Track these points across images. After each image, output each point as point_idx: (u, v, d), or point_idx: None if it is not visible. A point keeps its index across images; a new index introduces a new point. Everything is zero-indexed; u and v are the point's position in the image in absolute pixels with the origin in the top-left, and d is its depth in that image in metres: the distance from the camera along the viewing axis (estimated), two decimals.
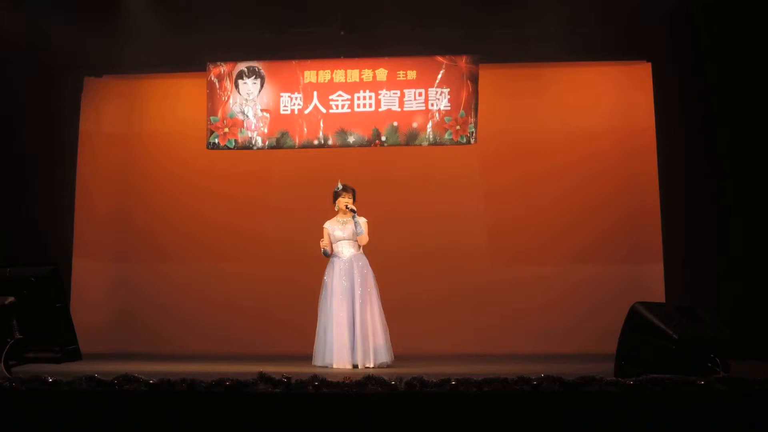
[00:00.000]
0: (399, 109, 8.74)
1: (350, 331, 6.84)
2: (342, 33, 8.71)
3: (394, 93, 8.76)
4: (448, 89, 8.69)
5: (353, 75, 8.83)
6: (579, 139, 9.43)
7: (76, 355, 5.45)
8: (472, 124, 8.64)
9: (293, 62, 8.88)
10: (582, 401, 3.97)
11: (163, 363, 7.03)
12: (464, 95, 8.66)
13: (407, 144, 8.77)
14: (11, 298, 5.17)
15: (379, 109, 8.76)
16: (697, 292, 7.90)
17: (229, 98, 8.87)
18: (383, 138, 8.74)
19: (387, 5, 8.37)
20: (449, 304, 9.20)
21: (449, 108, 8.68)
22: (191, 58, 8.93)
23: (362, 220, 7.09)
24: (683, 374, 4.21)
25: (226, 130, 8.86)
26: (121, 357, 7.94)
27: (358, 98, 8.79)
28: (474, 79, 8.65)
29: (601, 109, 9.51)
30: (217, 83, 8.90)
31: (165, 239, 9.70)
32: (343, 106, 8.80)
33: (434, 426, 3.96)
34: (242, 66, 8.90)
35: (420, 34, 8.66)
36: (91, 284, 9.52)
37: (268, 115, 8.85)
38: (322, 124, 8.79)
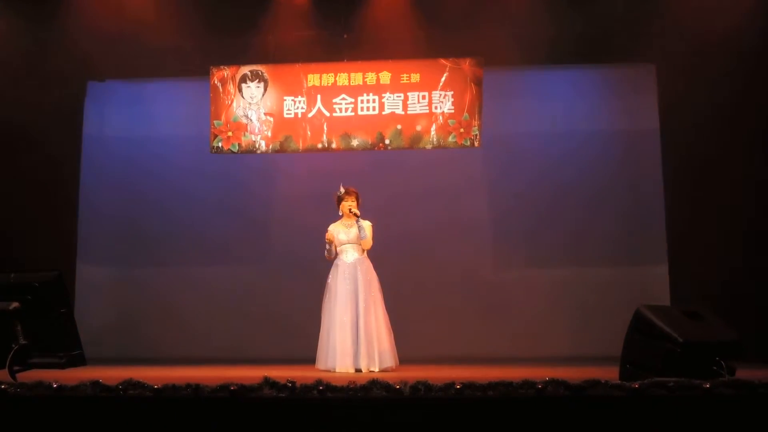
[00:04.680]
0: (403, 112, 8.73)
1: (353, 335, 6.80)
2: (345, 36, 8.72)
3: (397, 96, 8.75)
4: (452, 92, 8.68)
5: (357, 78, 8.82)
6: (583, 142, 9.41)
7: (80, 361, 5.45)
8: (476, 127, 8.63)
9: (297, 66, 8.88)
10: (587, 405, 3.96)
11: (167, 368, 7.03)
12: (468, 98, 8.65)
13: (411, 147, 8.77)
14: (15, 304, 5.17)
15: (383, 113, 8.75)
16: (702, 295, 7.86)
17: (232, 102, 8.88)
18: (387, 141, 8.73)
19: (390, 8, 8.37)
20: (454, 307, 9.18)
21: (453, 111, 8.66)
22: (195, 62, 8.93)
23: (366, 224, 7.06)
24: (688, 378, 4.19)
25: (230, 133, 8.86)
26: (125, 362, 7.92)
27: (362, 101, 8.79)
28: (478, 82, 8.64)
29: (606, 111, 9.48)
30: (220, 87, 8.90)
31: (169, 244, 9.67)
32: (346, 109, 8.79)
33: (439, 430, 3.95)
34: (246, 70, 8.90)
35: (423, 36, 8.65)
36: (95, 289, 9.52)
37: (271, 118, 8.84)
38: (325, 128, 8.78)
